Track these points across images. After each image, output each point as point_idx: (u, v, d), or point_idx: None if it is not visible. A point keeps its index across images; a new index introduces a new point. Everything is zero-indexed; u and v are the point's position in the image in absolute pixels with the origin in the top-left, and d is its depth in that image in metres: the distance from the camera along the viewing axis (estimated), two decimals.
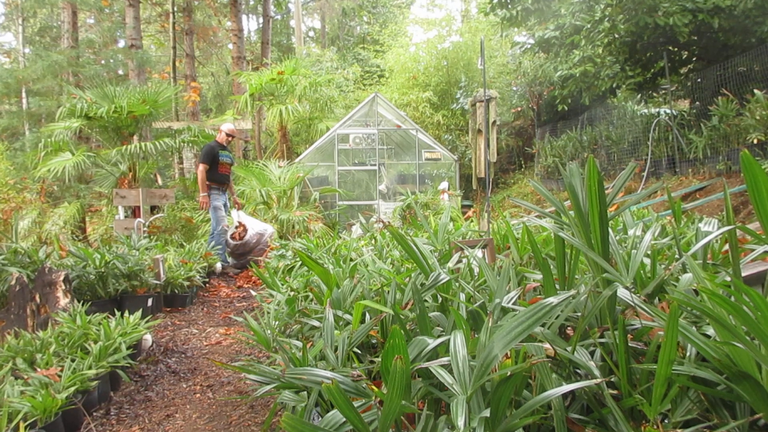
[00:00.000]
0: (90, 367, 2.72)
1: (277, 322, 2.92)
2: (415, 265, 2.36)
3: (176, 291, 5.01)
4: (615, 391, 1.41)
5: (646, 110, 10.75)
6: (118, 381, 3.08)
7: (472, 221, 6.54)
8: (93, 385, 2.67)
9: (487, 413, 1.29)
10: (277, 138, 12.21)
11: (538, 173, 12.86)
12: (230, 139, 7.11)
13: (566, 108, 10.76)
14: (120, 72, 16.68)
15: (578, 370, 1.53)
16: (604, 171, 10.36)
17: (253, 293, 4.26)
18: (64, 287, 3.58)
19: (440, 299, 2.13)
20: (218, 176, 6.86)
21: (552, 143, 12.14)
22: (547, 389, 1.34)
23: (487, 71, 14.75)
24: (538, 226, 3.74)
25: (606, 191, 1.64)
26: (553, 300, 1.41)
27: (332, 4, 27.18)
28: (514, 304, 1.84)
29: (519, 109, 15.25)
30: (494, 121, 5.91)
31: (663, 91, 10.63)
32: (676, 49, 10.04)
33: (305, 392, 1.84)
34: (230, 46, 18.40)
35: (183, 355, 3.70)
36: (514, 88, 15.39)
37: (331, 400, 1.31)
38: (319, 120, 12.61)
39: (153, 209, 8.56)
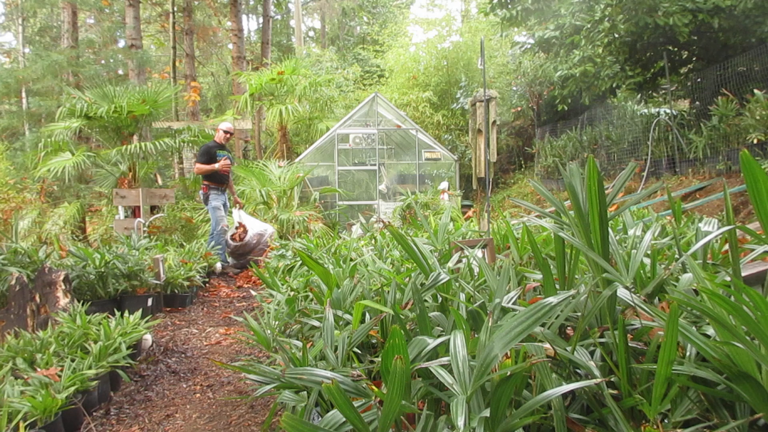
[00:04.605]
0: (90, 367, 2.72)
1: (277, 322, 2.92)
2: (415, 265, 2.36)
3: (176, 291, 5.01)
4: (615, 391, 1.41)
5: (646, 110, 10.73)
6: (118, 381, 3.08)
7: (472, 221, 6.54)
8: (93, 385, 2.67)
9: (487, 413, 1.29)
10: (277, 138, 12.21)
11: (538, 173, 12.85)
12: (228, 137, 7.10)
13: (566, 108, 10.75)
14: (120, 72, 16.65)
15: (578, 370, 1.53)
16: (604, 171, 10.36)
17: (253, 293, 4.26)
18: (64, 287, 3.58)
19: (440, 299, 2.13)
20: (217, 176, 6.86)
21: (552, 143, 12.13)
22: (547, 389, 1.34)
23: (487, 71, 14.75)
24: (538, 226, 3.74)
25: (606, 191, 1.64)
26: (553, 300, 1.41)
27: (332, 4, 27.17)
28: (514, 304, 1.84)
29: (519, 109, 15.23)
30: (494, 121, 5.90)
31: (663, 91, 10.62)
32: (676, 49, 10.04)
33: (305, 392, 1.84)
34: (230, 46, 18.40)
35: (183, 355, 3.70)
36: (514, 88, 15.37)
37: (331, 400, 1.31)
38: (319, 120, 12.61)
39: (153, 209, 8.56)
